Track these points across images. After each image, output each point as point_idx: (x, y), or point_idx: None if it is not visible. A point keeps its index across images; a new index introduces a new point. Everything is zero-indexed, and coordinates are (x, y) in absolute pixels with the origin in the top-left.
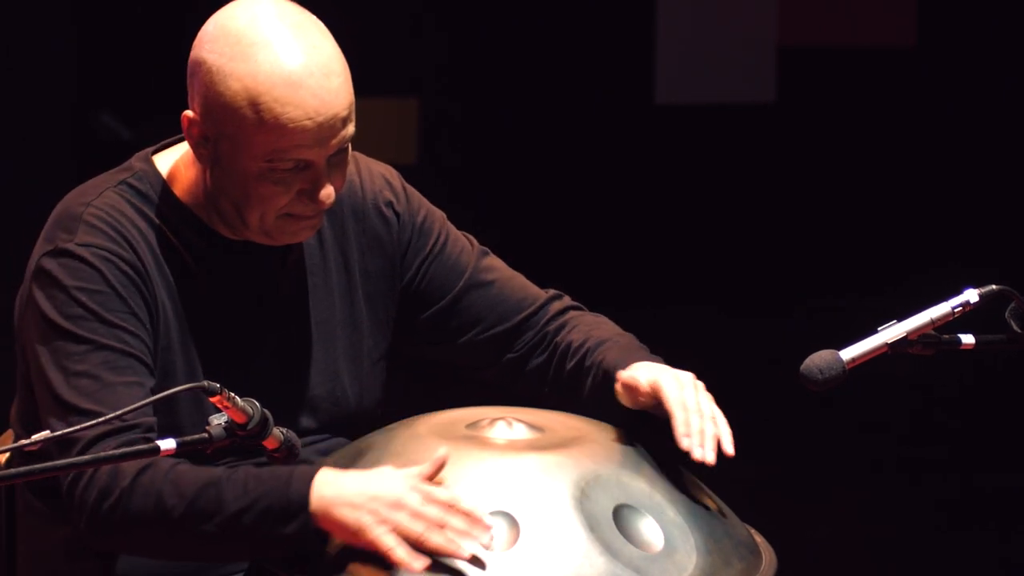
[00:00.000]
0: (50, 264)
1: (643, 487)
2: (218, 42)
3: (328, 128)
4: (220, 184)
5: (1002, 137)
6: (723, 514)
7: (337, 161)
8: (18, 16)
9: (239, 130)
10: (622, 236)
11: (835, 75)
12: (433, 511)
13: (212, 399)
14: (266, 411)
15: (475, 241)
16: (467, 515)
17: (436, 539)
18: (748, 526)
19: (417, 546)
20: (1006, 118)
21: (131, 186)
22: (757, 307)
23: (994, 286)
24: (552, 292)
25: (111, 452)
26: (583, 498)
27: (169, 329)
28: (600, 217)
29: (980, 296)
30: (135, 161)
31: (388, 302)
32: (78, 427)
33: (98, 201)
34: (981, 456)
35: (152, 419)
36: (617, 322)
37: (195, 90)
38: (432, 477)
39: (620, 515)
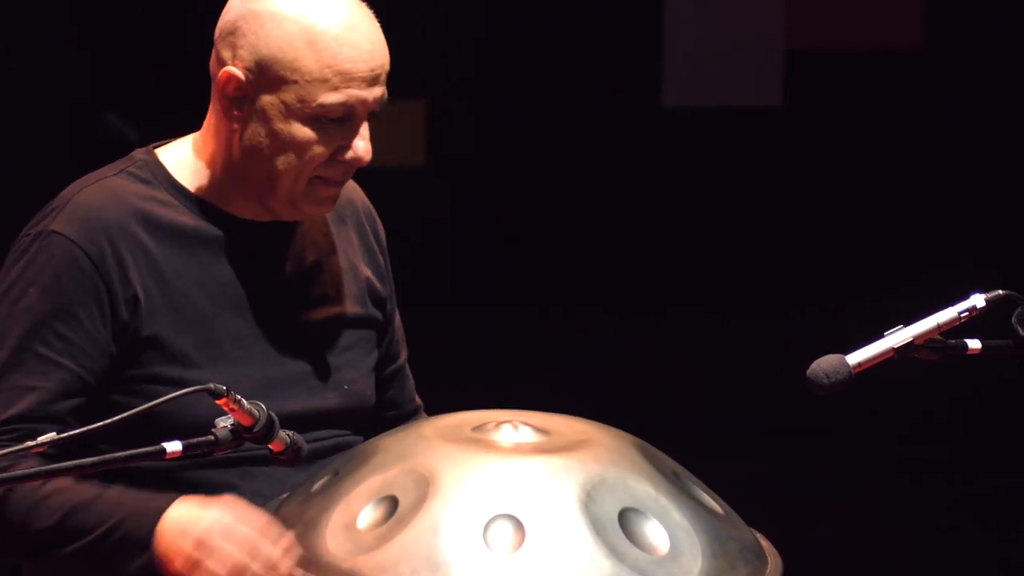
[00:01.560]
0: (23, 244)
1: (648, 490)
2: None
3: (376, 77)
4: (255, 144)
5: (1009, 140)
6: (728, 518)
7: (367, 123)
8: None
9: (293, 72)
10: (628, 239)
11: (842, 78)
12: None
13: (218, 401)
14: (272, 414)
15: None
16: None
17: None
18: (753, 530)
19: None
20: (1013, 121)
21: (132, 174)
22: (763, 310)
23: (1001, 291)
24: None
25: (117, 455)
26: (588, 501)
27: (156, 313)
28: (606, 219)
29: (987, 301)
30: (136, 153)
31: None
32: None
33: (93, 187)
34: (983, 457)
35: (62, 407)
36: (624, 326)
37: (237, 44)
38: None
39: (625, 518)
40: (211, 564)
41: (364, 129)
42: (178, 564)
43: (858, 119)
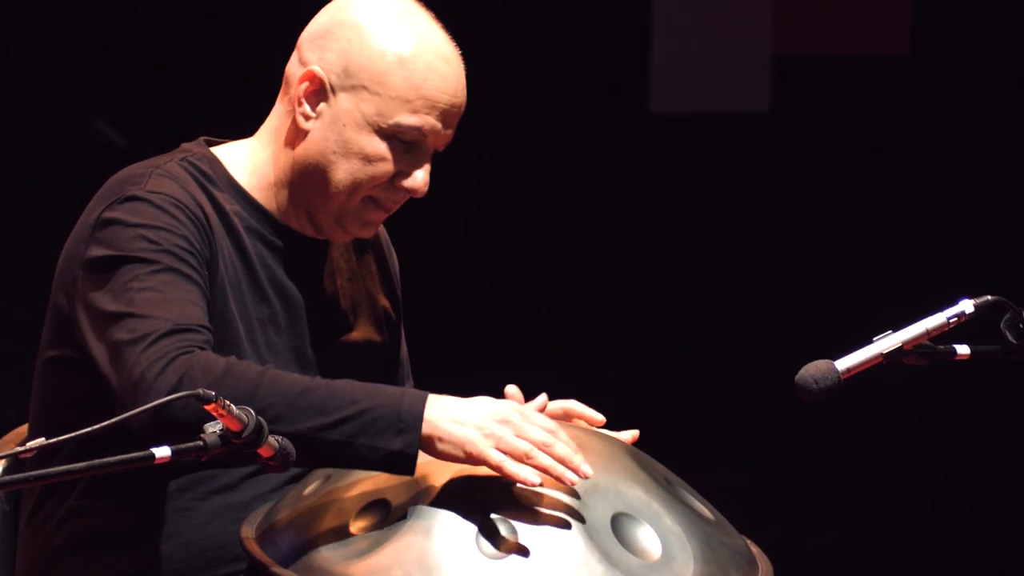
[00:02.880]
0: (115, 211)
1: (641, 495)
2: (371, 6)
3: (453, 114)
4: (322, 149)
5: (997, 146)
6: (719, 524)
7: (432, 158)
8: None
9: (378, 84)
10: (616, 245)
11: (830, 84)
12: (537, 432)
13: (207, 407)
14: (261, 419)
15: None
16: (567, 443)
17: (542, 459)
18: (744, 536)
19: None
20: (1001, 127)
21: (192, 164)
22: (751, 316)
23: (989, 297)
24: None
25: (107, 459)
26: (581, 506)
27: (216, 292)
28: (594, 226)
29: (975, 307)
30: (189, 146)
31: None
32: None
33: (166, 167)
34: (980, 463)
35: (210, 335)
36: (613, 332)
37: (326, 47)
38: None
39: (618, 523)
40: (516, 440)
41: (427, 162)
42: (460, 439)
43: (846, 125)
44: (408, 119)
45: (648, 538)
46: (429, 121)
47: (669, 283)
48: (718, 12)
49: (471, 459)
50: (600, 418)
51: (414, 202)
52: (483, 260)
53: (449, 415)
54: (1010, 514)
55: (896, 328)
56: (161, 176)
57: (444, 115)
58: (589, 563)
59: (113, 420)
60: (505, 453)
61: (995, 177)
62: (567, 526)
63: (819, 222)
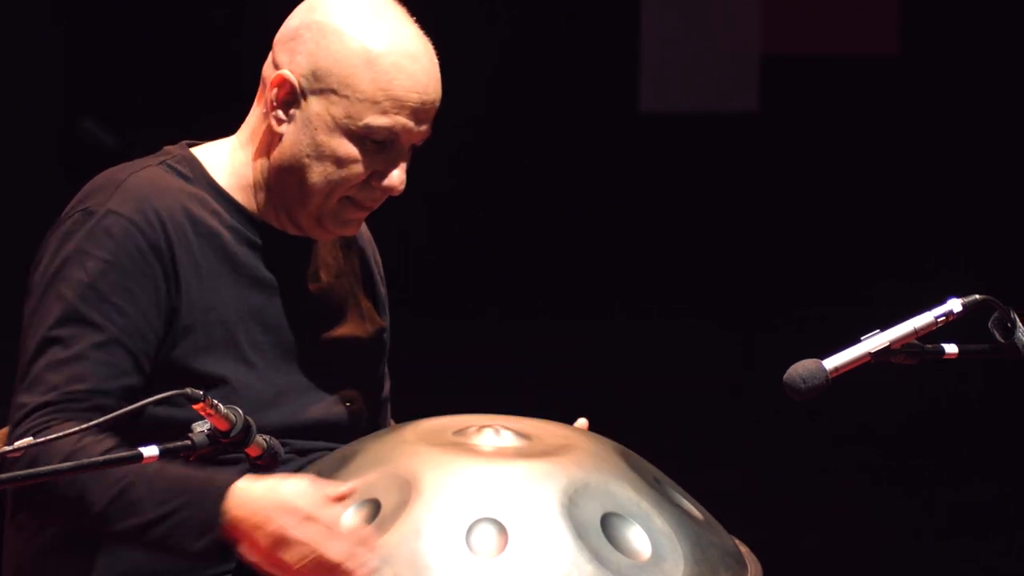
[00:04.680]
0: (74, 221)
1: (630, 495)
2: (339, 6)
3: (425, 111)
4: (295, 152)
5: (985, 145)
6: (709, 524)
7: (408, 156)
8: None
9: (346, 87)
10: (604, 244)
11: (818, 84)
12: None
13: (195, 406)
14: (249, 419)
15: None
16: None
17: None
18: (733, 536)
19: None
20: (988, 127)
21: (172, 167)
22: (740, 317)
23: (977, 296)
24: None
25: (96, 459)
26: (571, 506)
27: (193, 306)
28: (583, 224)
29: (963, 306)
30: (171, 148)
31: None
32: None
33: (141, 173)
34: (970, 464)
35: (117, 385)
36: (601, 332)
37: (296, 51)
38: (339, 499)
39: (608, 523)
40: (287, 557)
41: (403, 160)
42: (251, 548)
43: (834, 124)
44: (378, 120)
45: (638, 538)
46: (400, 121)
47: (658, 283)
48: (707, 11)
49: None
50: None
51: (405, 203)
52: (471, 260)
53: (249, 515)
54: (999, 514)
55: (884, 327)
56: (129, 188)
57: (415, 113)
58: (579, 563)
59: (98, 420)
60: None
61: (983, 176)
62: (557, 526)
63: (807, 221)
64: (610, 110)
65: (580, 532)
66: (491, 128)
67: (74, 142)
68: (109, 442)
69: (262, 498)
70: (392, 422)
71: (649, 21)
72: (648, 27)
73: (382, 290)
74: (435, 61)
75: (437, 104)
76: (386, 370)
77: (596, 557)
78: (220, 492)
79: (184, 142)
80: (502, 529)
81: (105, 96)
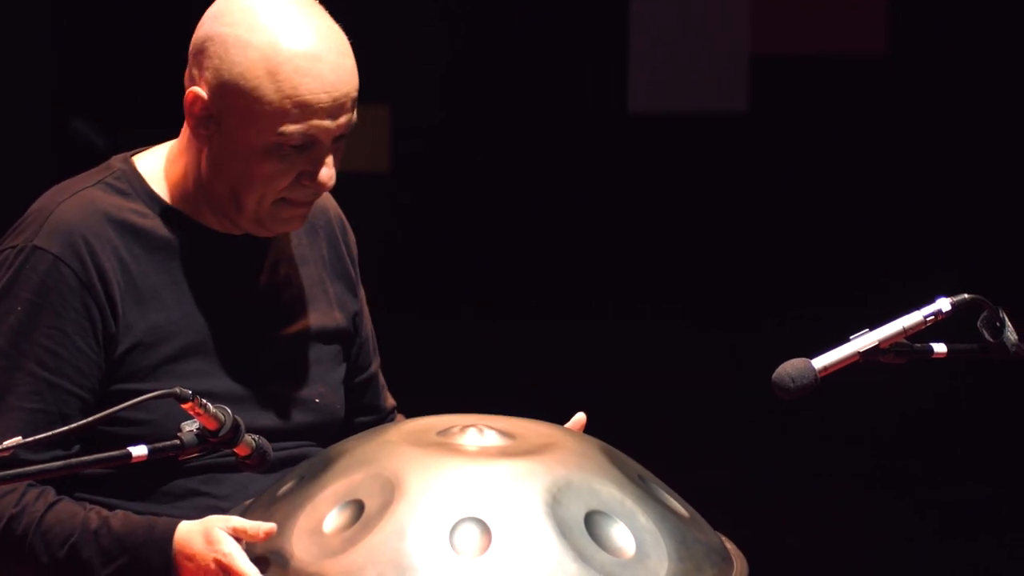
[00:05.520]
0: (3, 258)
1: (614, 493)
2: (233, 15)
3: (340, 106)
4: (219, 165)
5: (975, 145)
6: (694, 521)
7: (337, 148)
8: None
9: (253, 101)
10: (593, 245)
11: (807, 84)
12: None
13: (184, 406)
14: (238, 418)
15: None
16: None
17: None
18: (719, 533)
19: None
20: (978, 126)
21: (110, 184)
22: (729, 317)
23: (966, 295)
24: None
25: (84, 458)
26: (555, 504)
27: (134, 326)
28: (572, 226)
29: (952, 305)
30: (114, 161)
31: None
32: None
33: (71, 200)
34: (959, 464)
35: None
36: (590, 333)
37: (204, 65)
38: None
39: (592, 521)
40: None
41: (329, 156)
42: None
43: (823, 125)
44: (291, 127)
45: (622, 536)
46: (314, 124)
47: (646, 283)
48: (695, 12)
49: None
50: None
51: (381, 205)
52: (462, 260)
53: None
54: (992, 516)
55: (873, 327)
56: (58, 220)
57: (329, 112)
58: (563, 562)
59: (87, 420)
60: None
61: (973, 176)
62: (541, 525)
63: (799, 222)
64: (599, 111)
65: (564, 531)
66: (480, 129)
67: (66, 143)
68: (50, 495)
69: (197, 535)
70: (391, 399)
71: (638, 22)
72: (637, 28)
73: (351, 270)
74: (344, 52)
75: (353, 95)
76: (372, 347)
77: (580, 556)
78: (164, 538)
79: (129, 152)
80: (486, 529)
81: (96, 97)
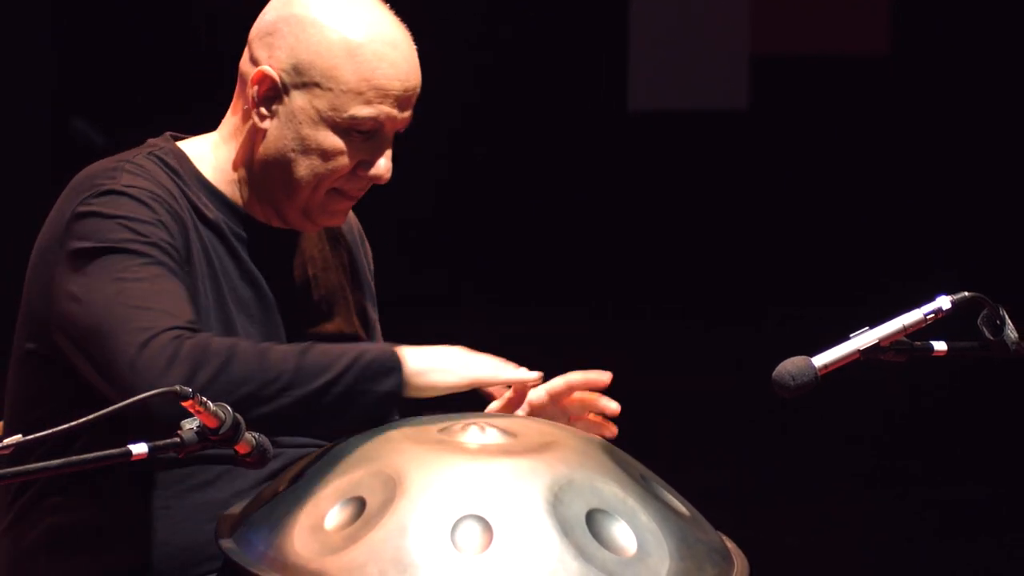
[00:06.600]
0: (92, 204)
1: (616, 492)
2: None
3: (407, 98)
4: (279, 147)
5: (974, 145)
6: (695, 520)
7: (391, 144)
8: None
9: (329, 79)
10: (592, 243)
11: (807, 83)
12: None
13: (184, 403)
14: (238, 416)
15: None
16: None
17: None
18: (720, 532)
19: None
20: (978, 125)
21: (159, 158)
22: (729, 315)
23: (966, 293)
24: None
25: (83, 456)
26: (556, 502)
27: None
28: (571, 224)
29: (952, 303)
30: (155, 141)
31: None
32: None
33: (135, 161)
34: (958, 464)
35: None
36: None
37: (275, 45)
38: None
39: (593, 519)
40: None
41: (388, 148)
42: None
43: (823, 123)
44: (363, 111)
45: (623, 534)
46: (384, 110)
47: (646, 283)
48: (696, 10)
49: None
50: (606, 376)
51: (384, 201)
52: (463, 259)
53: (425, 352)
54: (992, 516)
55: (873, 325)
56: (133, 171)
57: (398, 101)
58: (564, 560)
59: (92, 416)
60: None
61: (973, 176)
62: (542, 523)
63: (799, 220)
64: (599, 110)
65: (565, 529)
66: (481, 127)
67: (66, 142)
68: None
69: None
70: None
71: (638, 21)
72: (637, 27)
73: (370, 281)
74: (413, 48)
75: (418, 90)
76: None
77: (581, 554)
78: (390, 345)
79: (168, 134)
80: (487, 526)
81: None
